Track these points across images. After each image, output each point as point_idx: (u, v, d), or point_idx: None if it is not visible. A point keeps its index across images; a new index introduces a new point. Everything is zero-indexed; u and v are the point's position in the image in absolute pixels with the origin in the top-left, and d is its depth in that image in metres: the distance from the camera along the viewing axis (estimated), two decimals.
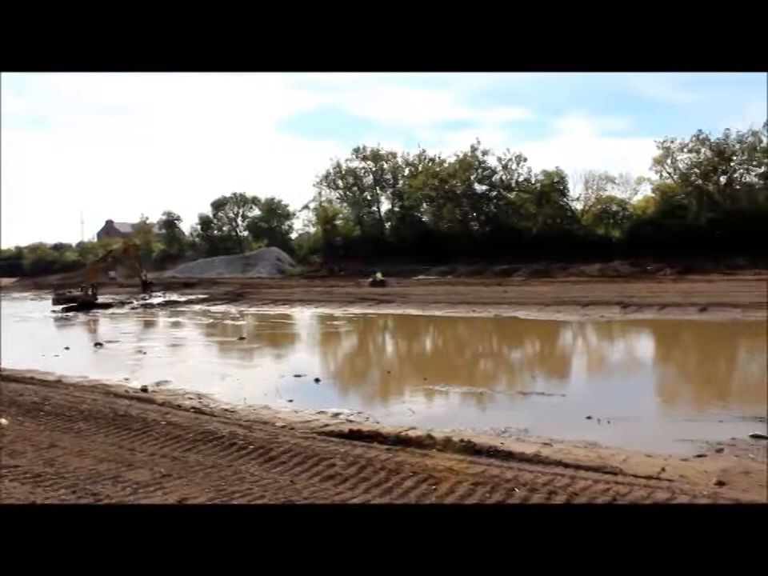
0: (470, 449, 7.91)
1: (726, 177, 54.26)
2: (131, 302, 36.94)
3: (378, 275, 43.07)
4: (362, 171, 65.71)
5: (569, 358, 18.90)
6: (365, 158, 64.97)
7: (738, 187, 53.71)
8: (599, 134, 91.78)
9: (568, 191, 59.48)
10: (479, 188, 60.74)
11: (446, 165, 62.42)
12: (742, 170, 54.23)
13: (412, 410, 11.23)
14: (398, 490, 6.44)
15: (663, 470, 7.32)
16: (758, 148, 52.57)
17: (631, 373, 15.88)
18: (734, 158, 53.92)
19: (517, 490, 6.33)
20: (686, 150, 55.71)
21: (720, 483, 6.82)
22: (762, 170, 53.25)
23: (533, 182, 60.07)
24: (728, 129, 53.61)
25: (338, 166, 65.65)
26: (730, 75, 70.74)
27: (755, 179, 53.62)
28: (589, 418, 10.19)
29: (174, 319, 30.17)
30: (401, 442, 8.36)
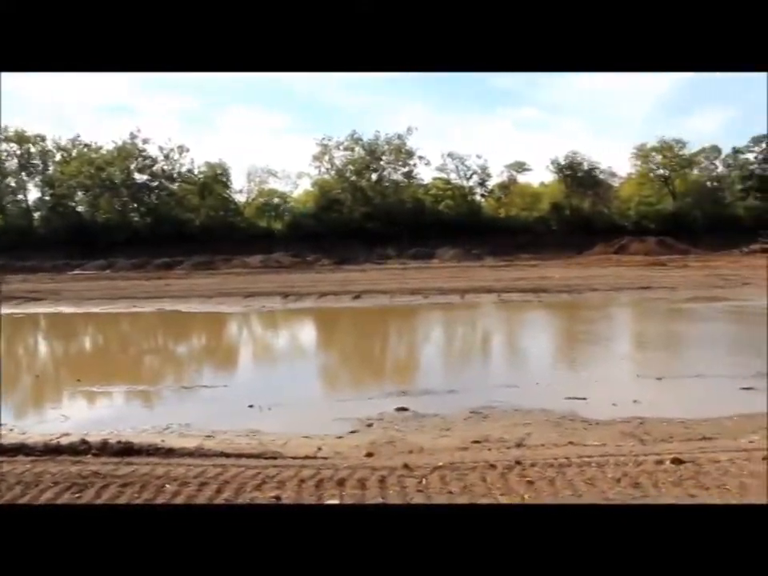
0: (128, 449, 7.56)
1: (376, 174, 59.30)
2: None
3: None
4: (5, 155, 59.57)
5: (232, 349, 19.04)
6: (7, 140, 58.94)
7: (387, 184, 59.03)
8: (262, 128, 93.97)
9: (231, 183, 60.24)
10: (139, 177, 58.80)
11: (103, 152, 59.25)
12: (390, 169, 59.69)
13: (65, 416, 10.42)
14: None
15: (320, 449, 7.73)
16: (403, 150, 58.37)
17: (293, 360, 16.47)
18: (384, 157, 59.17)
19: (168, 485, 6.20)
20: (342, 148, 59.85)
21: (369, 455, 7.39)
22: (407, 169, 59.25)
23: (196, 173, 59.70)
24: (378, 131, 58.68)
25: None
26: (382, 80, 76.27)
27: (401, 177, 59.45)
28: (251, 406, 10.35)
29: None
30: (51, 451, 7.67)
